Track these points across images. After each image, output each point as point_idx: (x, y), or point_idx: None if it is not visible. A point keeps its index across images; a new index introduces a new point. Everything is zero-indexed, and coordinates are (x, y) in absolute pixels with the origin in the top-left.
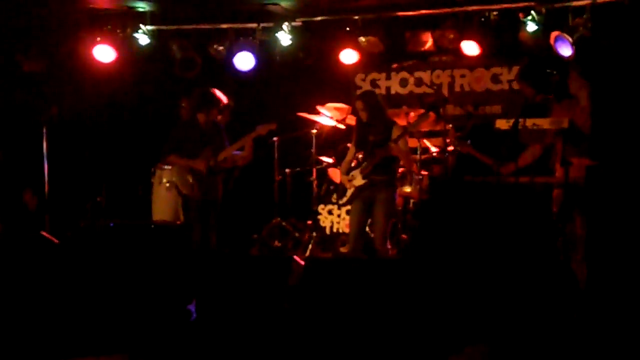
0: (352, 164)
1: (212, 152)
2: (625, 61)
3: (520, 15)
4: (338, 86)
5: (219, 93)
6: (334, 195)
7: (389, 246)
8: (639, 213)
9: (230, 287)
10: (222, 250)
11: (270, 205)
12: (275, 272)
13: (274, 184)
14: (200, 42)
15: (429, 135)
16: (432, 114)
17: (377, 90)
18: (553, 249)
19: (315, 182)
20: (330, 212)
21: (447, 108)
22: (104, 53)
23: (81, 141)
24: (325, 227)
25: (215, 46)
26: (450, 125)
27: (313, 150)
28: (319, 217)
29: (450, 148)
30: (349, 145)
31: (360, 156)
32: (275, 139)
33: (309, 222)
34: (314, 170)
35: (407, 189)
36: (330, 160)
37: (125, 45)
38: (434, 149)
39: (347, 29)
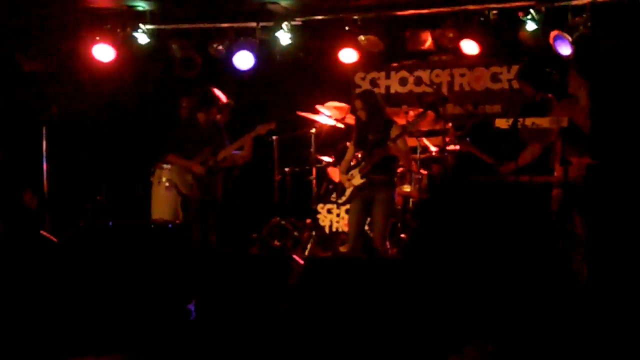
0: (352, 163)
1: (212, 152)
2: (625, 60)
3: (520, 14)
4: (338, 85)
5: (218, 92)
6: (334, 195)
7: (388, 245)
8: (638, 212)
9: (230, 286)
10: (221, 249)
11: (269, 204)
12: (275, 272)
13: (273, 183)
14: (200, 42)
15: (429, 134)
16: (431, 113)
17: (376, 89)
18: (553, 249)
19: (314, 182)
20: (329, 211)
21: (446, 107)
22: (103, 52)
23: (81, 141)
24: (324, 226)
25: (215, 45)
26: (450, 124)
27: (312, 149)
28: (319, 216)
29: (450, 147)
30: (348, 144)
31: (360, 155)
32: (274, 138)
33: (309, 221)
34: (314, 169)
35: (407, 188)
36: (329, 159)
37: (125, 44)
38: (433, 148)
39: (347, 28)
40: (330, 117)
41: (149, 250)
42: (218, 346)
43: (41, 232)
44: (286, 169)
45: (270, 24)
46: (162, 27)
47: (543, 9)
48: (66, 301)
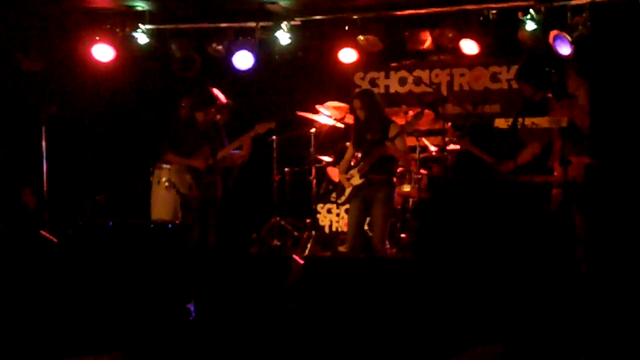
0: (352, 163)
1: (211, 151)
2: (624, 60)
3: (519, 14)
4: (337, 85)
5: (217, 92)
6: (333, 194)
7: (388, 245)
8: (638, 212)
9: (230, 286)
10: (221, 249)
11: (269, 204)
12: (275, 271)
13: (273, 183)
14: (200, 41)
15: (428, 134)
16: (429, 113)
17: (376, 89)
18: (556, 249)
19: (314, 181)
20: (329, 211)
21: (446, 107)
22: (103, 52)
23: (80, 140)
24: (324, 226)
25: (214, 45)
26: (449, 124)
27: (312, 149)
28: (318, 216)
29: (450, 147)
30: (347, 144)
31: (359, 155)
32: (274, 138)
33: (308, 221)
34: (313, 169)
35: (406, 188)
36: (329, 159)
37: (124, 44)
38: (433, 148)
39: (346, 28)
40: (329, 117)
41: (148, 250)
42: (217, 346)
43: (41, 232)
44: (286, 169)
45: (270, 23)
46: (162, 27)
47: (542, 8)
48: (66, 300)
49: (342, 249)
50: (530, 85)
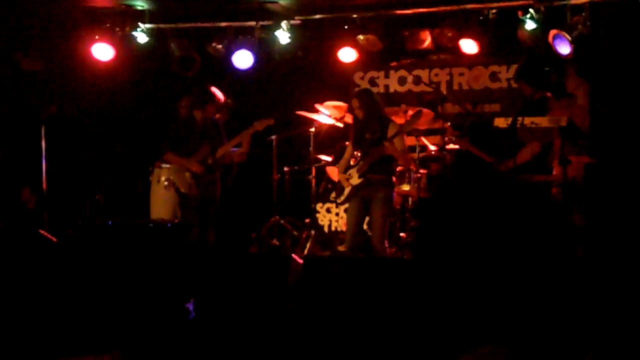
0: (351, 162)
1: (210, 149)
2: (624, 59)
3: (519, 13)
4: (337, 84)
5: (215, 90)
6: (333, 194)
7: (387, 245)
8: (638, 211)
9: (229, 285)
10: (220, 248)
11: (268, 203)
12: (274, 271)
13: (272, 182)
14: (199, 41)
15: (428, 133)
16: (428, 112)
17: (375, 89)
18: (556, 248)
19: (313, 181)
20: (328, 211)
21: (445, 106)
22: (102, 51)
23: (80, 139)
24: (323, 226)
25: (214, 44)
26: (449, 124)
27: (311, 148)
28: (318, 215)
29: (449, 146)
30: (347, 143)
31: (359, 154)
32: (273, 137)
33: (308, 220)
34: (313, 168)
35: (406, 187)
36: (328, 158)
37: (124, 43)
38: (432, 147)
39: (346, 27)
40: (329, 116)
41: (148, 249)
42: (217, 345)
43: (40, 231)
44: (285, 168)
45: (270, 23)
46: (161, 26)
47: (542, 8)
48: (65, 300)
49: (341, 248)
50: (529, 85)
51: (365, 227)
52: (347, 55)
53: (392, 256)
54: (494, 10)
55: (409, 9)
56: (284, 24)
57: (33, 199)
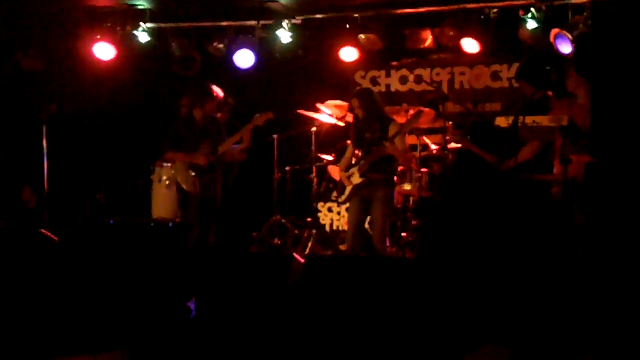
0: (353, 162)
1: (211, 148)
2: (625, 59)
3: (521, 12)
4: (338, 84)
5: (214, 87)
6: (334, 193)
7: (388, 244)
8: (638, 210)
9: (230, 284)
10: (221, 247)
11: (270, 203)
12: (275, 270)
13: (273, 181)
14: (200, 40)
15: (429, 132)
16: (430, 111)
17: (377, 88)
18: (559, 247)
19: (315, 180)
20: (330, 210)
21: (447, 106)
22: (103, 51)
23: (81, 139)
24: (325, 225)
25: (215, 44)
26: (450, 123)
27: (313, 148)
28: (319, 214)
29: (450, 146)
30: (348, 142)
31: (360, 154)
32: (275, 136)
33: (309, 219)
34: (314, 168)
35: (407, 187)
36: (330, 157)
37: (125, 43)
38: (433, 147)
39: (347, 26)
40: (330, 115)
41: (149, 248)
42: (218, 344)
43: (41, 230)
44: (286, 168)
45: (271, 22)
46: (163, 25)
47: (543, 7)
48: (66, 299)
49: (342, 247)
50: (530, 84)
51: (366, 226)
52: (348, 54)
53: (393, 256)
54: (495, 10)
55: (410, 8)
56: (285, 23)
57: (34, 198)
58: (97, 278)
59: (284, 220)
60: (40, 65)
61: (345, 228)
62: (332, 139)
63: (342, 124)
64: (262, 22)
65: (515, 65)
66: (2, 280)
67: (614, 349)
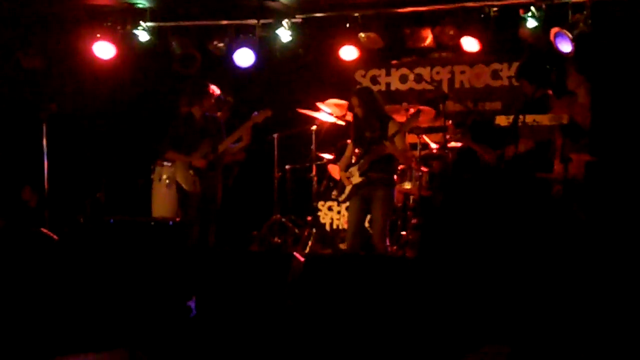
0: (352, 160)
1: (211, 145)
2: (625, 57)
3: (520, 11)
4: (338, 82)
5: (211, 85)
6: (334, 192)
7: (388, 243)
8: (638, 209)
9: (230, 283)
10: (221, 246)
11: (269, 201)
12: (275, 269)
13: (273, 180)
14: (200, 39)
15: (429, 131)
16: (430, 110)
17: (377, 87)
18: (560, 246)
19: (315, 179)
20: (330, 209)
21: (447, 104)
22: (103, 49)
23: (81, 138)
24: (325, 224)
25: (215, 43)
26: (450, 121)
27: (313, 146)
28: (319, 213)
29: (451, 144)
30: (348, 141)
31: (359, 153)
32: (275, 135)
33: (309, 218)
34: (314, 166)
35: (407, 186)
36: (330, 156)
37: (125, 41)
38: (433, 145)
39: (347, 25)
40: (330, 114)
41: (149, 247)
42: (218, 343)
43: (42, 229)
44: (286, 167)
45: (271, 21)
46: (162, 24)
47: (543, 6)
48: (66, 298)
49: (342, 246)
50: (530, 83)
51: (366, 225)
52: (348, 53)
53: (393, 254)
54: (495, 8)
55: (410, 7)
56: (285, 22)
57: (34, 197)
58: (97, 277)
59: (284, 219)
60: (40, 64)
61: (345, 227)
62: (332, 137)
63: (342, 122)
64: (262, 21)
65: (515, 64)
66: (2, 279)
67: (614, 348)
